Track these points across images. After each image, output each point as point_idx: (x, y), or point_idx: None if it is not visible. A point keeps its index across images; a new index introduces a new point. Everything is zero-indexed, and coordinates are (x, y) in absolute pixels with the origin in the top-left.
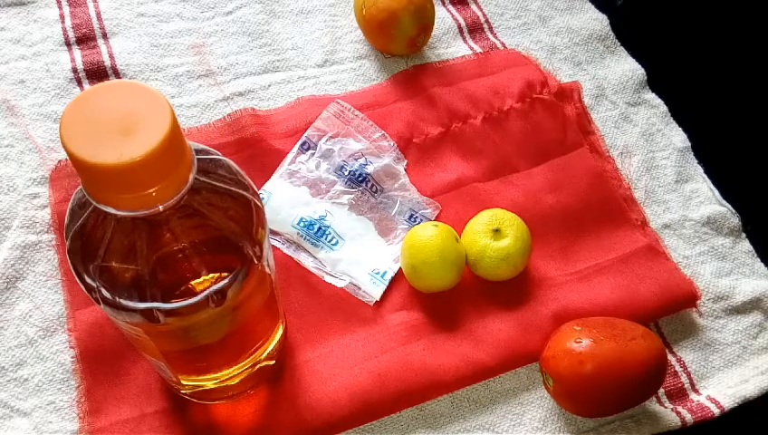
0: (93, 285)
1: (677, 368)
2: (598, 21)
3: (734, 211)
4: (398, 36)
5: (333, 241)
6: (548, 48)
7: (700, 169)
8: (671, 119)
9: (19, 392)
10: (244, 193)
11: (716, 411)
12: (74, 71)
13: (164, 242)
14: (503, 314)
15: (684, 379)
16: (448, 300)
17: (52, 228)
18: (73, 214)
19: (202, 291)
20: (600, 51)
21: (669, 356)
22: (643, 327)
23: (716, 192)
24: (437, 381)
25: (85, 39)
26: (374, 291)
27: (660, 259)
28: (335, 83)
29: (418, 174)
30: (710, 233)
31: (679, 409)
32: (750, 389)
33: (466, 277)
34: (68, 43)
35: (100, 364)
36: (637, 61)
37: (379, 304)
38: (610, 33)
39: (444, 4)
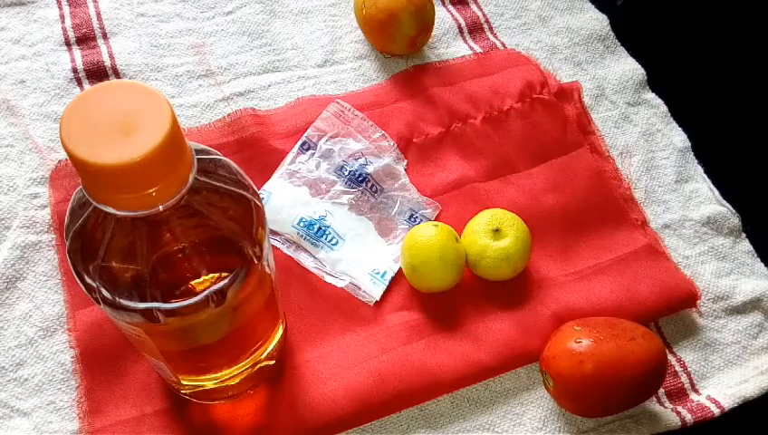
0: (93, 285)
1: (677, 368)
2: (598, 21)
3: (734, 211)
4: (398, 36)
5: (333, 241)
6: (548, 48)
7: (700, 169)
8: (671, 119)
9: (19, 392)
10: (244, 193)
11: (716, 411)
12: (74, 71)
13: (164, 242)
14: (503, 314)
15: (684, 379)
16: (448, 300)
17: (52, 228)
18: (73, 214)
19: (202, 291)
20: (600, 51)
21: (669, 356)
22: (643, 327)
23: (716, 192)
24: (437, 381)
25: (85, 39)
26: (374, 291)
27: (660, 259)
28: (335, 83)
29: (418, 174)
30: (710, 233)
31: (679, 409)
32: (750, 389)
33: (466, 277)
34: (68, 43)
35: (100, 364)
36: (637, 61)
37: (379, 304)
38: (610, 33)
39: (444, 4)
